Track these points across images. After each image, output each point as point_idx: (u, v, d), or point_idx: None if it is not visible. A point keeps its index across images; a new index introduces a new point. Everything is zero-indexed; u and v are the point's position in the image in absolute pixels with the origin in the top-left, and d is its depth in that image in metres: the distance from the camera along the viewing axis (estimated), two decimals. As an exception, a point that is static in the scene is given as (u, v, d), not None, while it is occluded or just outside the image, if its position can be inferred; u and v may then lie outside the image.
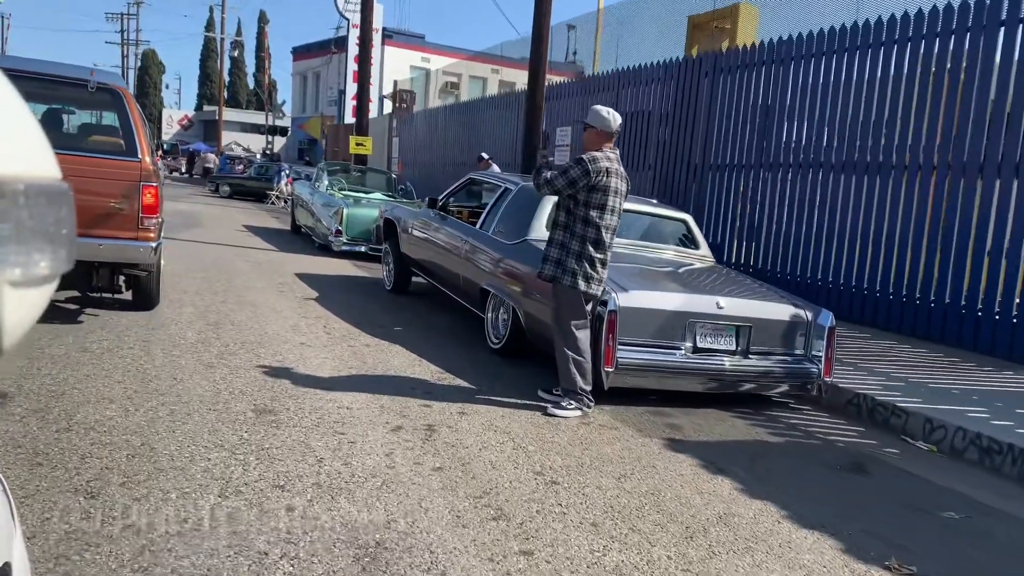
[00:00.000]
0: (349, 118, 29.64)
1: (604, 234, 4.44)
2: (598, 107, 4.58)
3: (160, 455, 3.19)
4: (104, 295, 5.88)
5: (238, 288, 7.64)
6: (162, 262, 6.36)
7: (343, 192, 12.58)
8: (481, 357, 5.69)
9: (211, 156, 36.44)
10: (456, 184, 7.76)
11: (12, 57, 8.30)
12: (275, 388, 4.33)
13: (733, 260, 9.57)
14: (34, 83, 5.30)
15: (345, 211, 11.22)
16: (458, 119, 19.50)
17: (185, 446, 3.32)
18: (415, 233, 7.70)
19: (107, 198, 5.30)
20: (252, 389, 4.26)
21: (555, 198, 5.65)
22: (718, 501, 3.39)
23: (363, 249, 11.21)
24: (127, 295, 6.12)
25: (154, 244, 5.55)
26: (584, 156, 4.42)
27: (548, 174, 4.50)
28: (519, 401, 4.59)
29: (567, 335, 4.42)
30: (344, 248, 11.20)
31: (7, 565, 0.97)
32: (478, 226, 6.50)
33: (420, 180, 19.08)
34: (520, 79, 25.87)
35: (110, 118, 6.31)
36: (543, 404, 4.54)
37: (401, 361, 5.30)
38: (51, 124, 6.12)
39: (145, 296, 6.09)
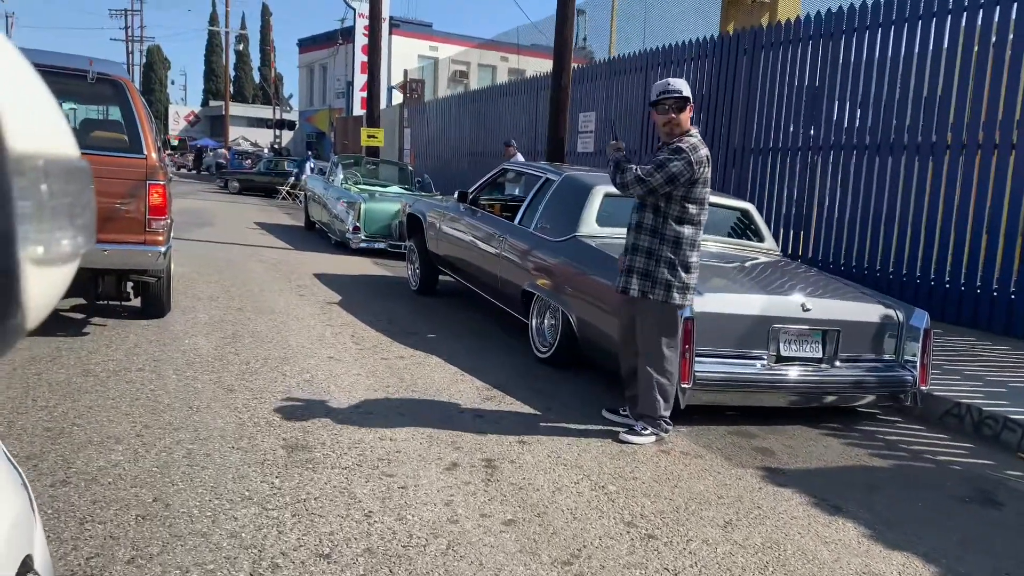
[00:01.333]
0: (358, 110, 29.10)
1: (700, 234, 3.82)
2: (672, 79, 3.93)
3: (176, 515, 2.63)
4: (112, 303, 5.39)
5: (255, 293, 7.09)
6: (172, 266, 5.83)
7: (359, 186, 11.95)
8: (529, 369, 5.11)
9: (223, 152, 36.03)
10: (488, 175, 7.15)
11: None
12: (306, 416, 3.76)
13: (779, 251, 8.93)
14: None
15: (363, 206, 10.64)
16: (473, 108, 18.85)
17: (206, 500, 2.75)
18: (444, 229, 7.11)
19: (111, 199, 4.80)
20: (280, 418, 3.69)
21: (608, 188, 5.05)
22: (849, 554, 2.80)
23: (383, 246, 10.64)
24: (136, 302, 5.58)
25: (163, 248, 5.06)
26: (683, 145, 3.70)
27: (638, 171, 3.76)
28: (583, 426, 4.00)
29: (654, 355, 3.78)
30: (362, 245, 10.61)
31: (28, 558, 0.98)
32: (516, 221, 5.89)
33: (434, 171, 18.46)
34: (531, 66, 25.19)
35: (113, 112, 5.83)
36: (612, 428, 3.95)
37: (442, 376, 4.72)
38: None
39: (155, 304, 5.59)
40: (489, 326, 6.40)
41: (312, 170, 17.13)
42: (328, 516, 2.72)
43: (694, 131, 3.81)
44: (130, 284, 5.30)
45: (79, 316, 5.51)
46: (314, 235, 12.95)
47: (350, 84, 33.48)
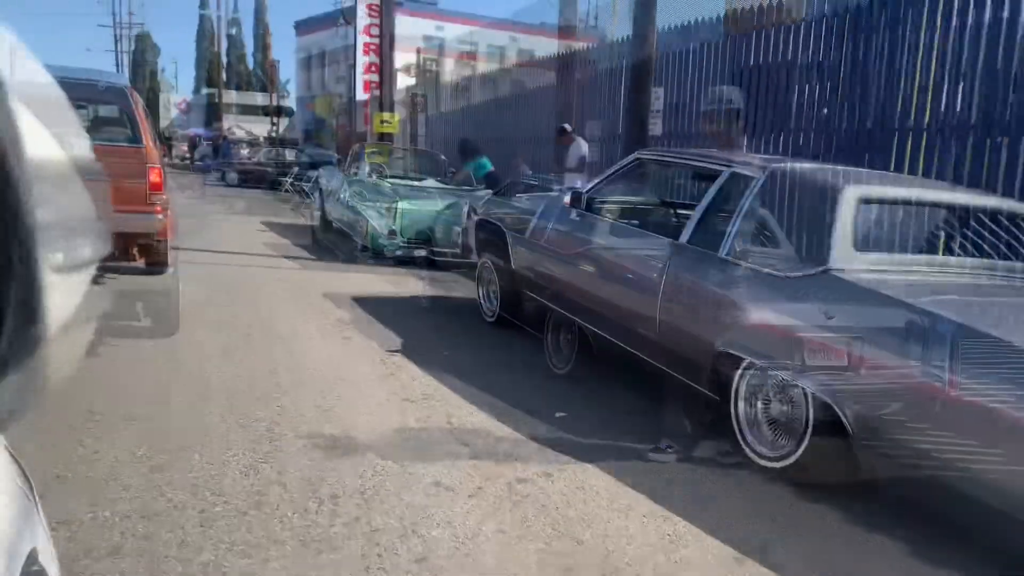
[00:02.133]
0: (361, 94, 28.06)
1: None
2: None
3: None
4: (120, 265, 6.45)
5: (264, 318, 6.31)
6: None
7: (391, 181, 9.98)
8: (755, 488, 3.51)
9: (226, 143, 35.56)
10: (612, 169, 5.25)
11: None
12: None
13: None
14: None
15: (399, 205, 8.80)
16: (495, 91, 16.72)
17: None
18: (545, 244, 5.25)
19: (119, 178, 5.73)
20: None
21: (863, 190, 3.68)
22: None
23: (423, 254, 8.80)
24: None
25: (161, 216, 6.56)
26: None
27: None
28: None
29: None
30: (399, 253, 8.79)
31: (34, 550, 0.96)
32: (685, 239, 4.08)
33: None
34: (539, 47, 23.86)
35: (118, 112, 7.20)
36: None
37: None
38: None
39: (156, 263, 6.90)
40: (627, 389, 4.67)
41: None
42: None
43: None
44: (136, 247, 6.54)
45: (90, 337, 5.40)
46: (333, 237, 10.95)
47: (352, 67, 32.73)
